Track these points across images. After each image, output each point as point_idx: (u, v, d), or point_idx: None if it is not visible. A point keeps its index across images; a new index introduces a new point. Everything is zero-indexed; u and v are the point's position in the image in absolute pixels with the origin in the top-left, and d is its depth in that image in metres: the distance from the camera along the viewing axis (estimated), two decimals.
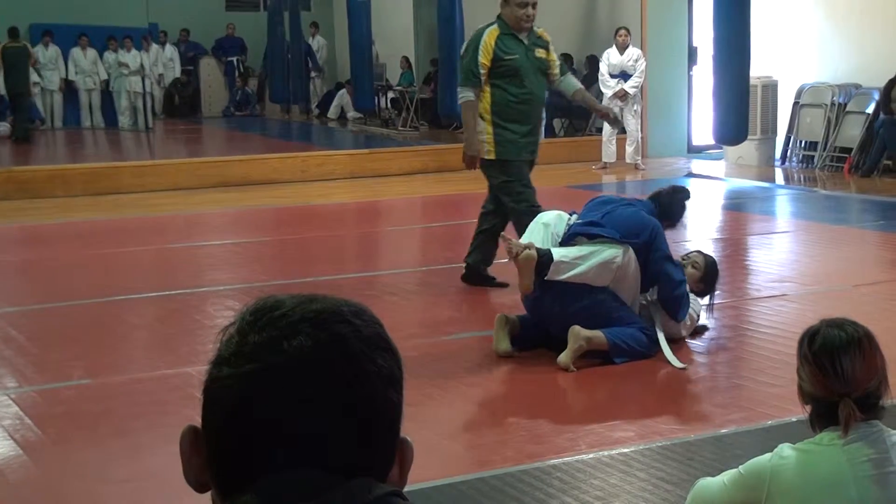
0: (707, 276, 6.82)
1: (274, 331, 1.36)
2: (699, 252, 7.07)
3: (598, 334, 6.09)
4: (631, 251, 6.24)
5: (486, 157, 7.76)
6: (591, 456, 4.84)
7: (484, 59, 7.57)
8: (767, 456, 2.99)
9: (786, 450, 2.97)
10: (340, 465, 1.35)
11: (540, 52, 7.85)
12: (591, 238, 6.24)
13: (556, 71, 8.05)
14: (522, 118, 7.76)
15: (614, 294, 6.26)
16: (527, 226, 6.86)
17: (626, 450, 4.91)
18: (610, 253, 6.19)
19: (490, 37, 7.61)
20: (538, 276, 6.04)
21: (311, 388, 1.34)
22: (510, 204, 7.74)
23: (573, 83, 8.36)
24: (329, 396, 1.35)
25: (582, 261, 6.13)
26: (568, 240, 6.32)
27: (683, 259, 6.83)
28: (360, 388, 1.37)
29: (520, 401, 5.78)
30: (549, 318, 6.29)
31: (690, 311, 6.60)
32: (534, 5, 7.70)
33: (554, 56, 8.07)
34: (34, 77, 19.94)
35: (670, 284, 6.34)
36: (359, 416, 1.37)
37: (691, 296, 6.64)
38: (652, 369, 6.15)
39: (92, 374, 6.17)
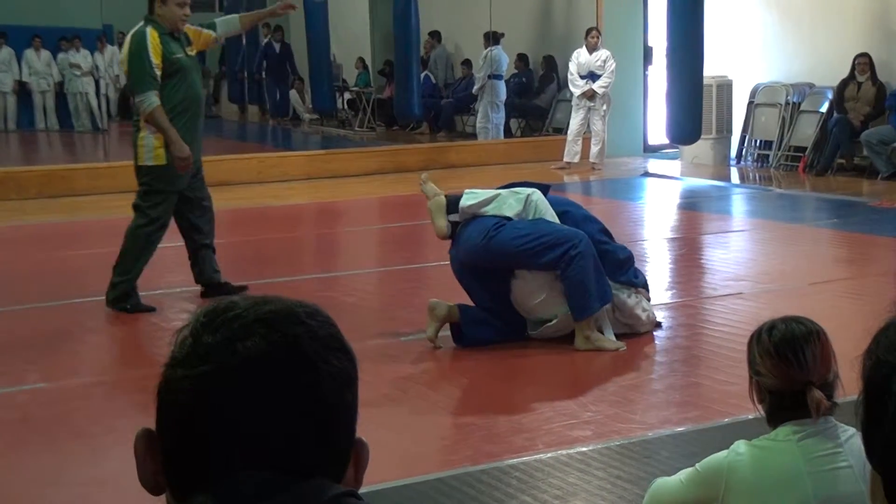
0: None
1: (227, 332, 1.36)
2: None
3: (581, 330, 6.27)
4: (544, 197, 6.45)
5: (155, 164, 7.36)
6: (549, 455, 4.85)
7: (156, 59, 7.20)
8: (724, 453, 3.01)
9: (742, 446, 2.99)
10: (296, 465, 1.35)
11: (192, 50, 7.54)
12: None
13: (212, 34, 7.87)
14: (191, 122, 7.45)
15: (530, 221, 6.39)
16: (146, 240, 7.40)
17: (583, 448, 4.92)
18: (522, 189, 6.37)
19: (154, 38, 7.23)
20: (450, 216, 6.28)
21: (265, 390, 1.34)
22: (151, 213, 7.48)
23: (228, 19, 8.21)
24: (283, 397, 1.35)
25: (489, 193, 6.38)
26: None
27: None
28: (314, 389, 1.37)
29: (477, 400, 5.79)
30: (471, 267, 6.41)
31: (649, 310, 6.68)
32: (190, 5, 7.42)
33: (200, 38, 7.74)
34: None
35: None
36: (314, 417, 1.37)
37: (643, 300, 6.70)
38: (610, 368, 6.18)
39: (47, 378, 6.13)
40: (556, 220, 6.41)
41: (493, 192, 6.39)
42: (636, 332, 6.64)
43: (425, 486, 4.55)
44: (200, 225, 7.76)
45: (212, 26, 7.96)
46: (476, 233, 6.27)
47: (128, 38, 7.41)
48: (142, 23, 7.30)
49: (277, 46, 21.75)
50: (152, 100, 7.15)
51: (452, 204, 6.33)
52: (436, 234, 6.50)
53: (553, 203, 6.54)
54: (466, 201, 6.29)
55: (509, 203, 6.31)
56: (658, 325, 6.90)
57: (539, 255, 6.21)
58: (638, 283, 6.69)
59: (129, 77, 7.51)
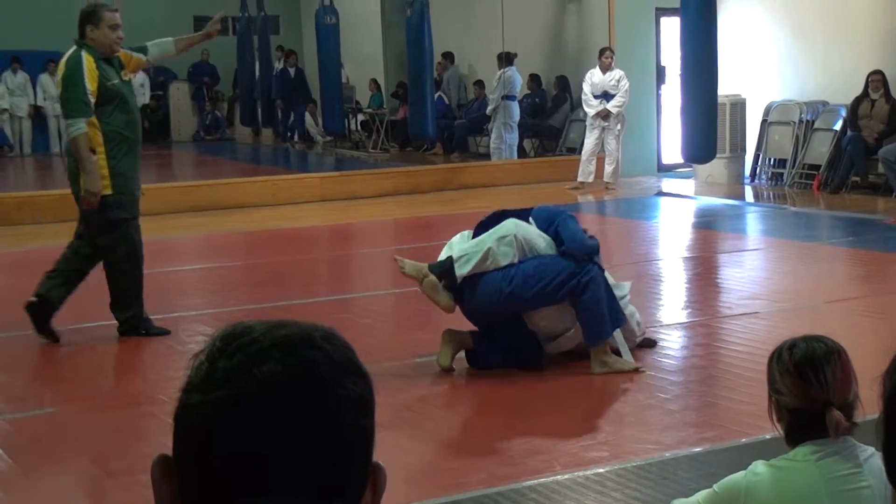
0: None
1: (243, 357, 1.36)
2: None
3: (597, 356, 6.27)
4: (522, 222, 6.39)
5: (103, 193, 7.08)
6: (565, 477, 4.83)
7: (91, 85, 6.99)
8: (742, 473, 3.00)
9: (760, 466, 2.98)
10: (313, 490, 1.34)
11: (126, 75, 7.36)
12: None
13: (143, 58, 7.73)
14: (132, 148, 7.30)
15: (532, 260, 6.33)
16: (129, 273, 7.16)
17: (600, 470, 4.90)
18: (503, 229, 6.29)
19: (89, 63, 7.01)
20: (451, 285, 6.16)
21: (281, 414, 1.34)
22: (121, 245, 7.29)
23: (162, 42, 7.98)
24: (300, 422, 1.34)
25: (478, 247, 6.24)
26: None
27: None
28: (331, 414, 1.36)
29: (493, 421, 5.77)
30: (488, 316, 6.36)
31: (637, 317, 6.66)
32: (121, 27, 7.27)
33: (131, 61, 7.59)
34: (3, 102, 19.91)
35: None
36: (330, 442, 1.36)
37: (631, 307, 6.69)
38: (625, 388, 6.16)
39: (61, 402, 6.14)
40: (545, 240, 6.40)
41: (479, 247, 6.24)
42: (632, 345, 6.63)
43: None
44: (87, 252, 7.41)
45: (143, 49, 7.78)
46: (490, 290, 6.18)
47: (62, 62, 7.21)
48: (75, 47, 7.10)
49: (292, 71, 21.79)
50: (80, 126, 6.93)
51: (446, 273, 6.24)
52: (443, 311, 6.43)
53: (537, 219, 6.54)
54: (462, 269, 6.18)
55: (503, 252, 6.24)
56: (655, 343, 6.88)
57: (555, 292, 6.21)
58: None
59: (63, 102, 7.25)
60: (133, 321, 7.30)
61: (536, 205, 6.67)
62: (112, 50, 7.20)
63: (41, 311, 7.22)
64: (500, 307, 6.24)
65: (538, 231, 6.41)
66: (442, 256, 6.45)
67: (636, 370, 6.31)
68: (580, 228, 6.56)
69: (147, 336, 7.32)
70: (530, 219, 6.46)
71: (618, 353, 6.43)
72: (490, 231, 6.32)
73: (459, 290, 6.27)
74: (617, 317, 6.33)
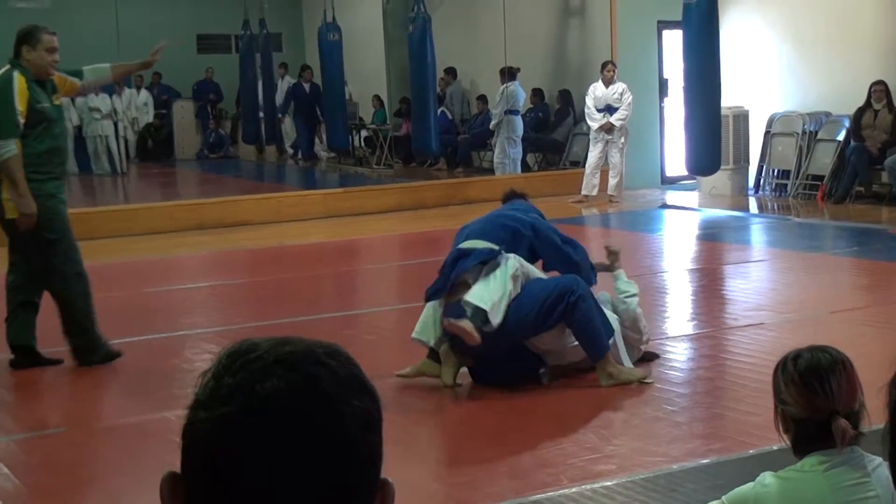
0: None
1: (247, 374, 1.36)
2: None
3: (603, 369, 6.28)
4: (503, 252, 6.37)
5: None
6: (573, 490, 4.83)
7: (21, 106, 6.82)
8: (750, 485, 3.00)
9: (768, 478, 2.98)
10: None
11: (57, 99, 7.20)
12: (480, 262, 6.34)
13: (77, 82, 7.61)
14: (59, 171, 7.14)
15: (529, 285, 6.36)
16: (79, 294, 6.99)
17: (608, 483, 4.90)
18: (509, 265, 6.29)
19: (21, 84, 6.84)
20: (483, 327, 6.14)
21: (285, 431, 1.34)
22: (59, 266, 7.07)
23: (98, 68, 7.85)
24: (304, 438, 1.34)
25: (500, 289, 6.21)
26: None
27: None
28: (335, 430, 1.36)
29: (500, 435, 5.77)
30: (500, 347, 6.34)
31: (643, 321, 6.67)
32: (58, 51, 7.11)
33: (65, 85, 7.42)
34: None
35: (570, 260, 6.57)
36: (336, 458, 1.36)
37: (639, 311, 6.69)
38: (632, 400, 6.16)
39: (69, 422, 6.14)
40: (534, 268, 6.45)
41: (503, 291, 6.18)
42: (637, 353, 6.66)
43: None
44: (24, 282, 7.21)
45: (78, 74, 7.63)
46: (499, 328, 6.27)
47: None
48: (8, 66, 6.95)
49: (307, 86, 21.73)
50: (10, 147, 6.76)
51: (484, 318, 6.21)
52: (470, 344, 6.32)
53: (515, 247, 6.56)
54: (496, 319, 6.11)
55: (517, 289, 6.28)
56: (657, 356, 6.88)
57: (548, 315, 6.23)
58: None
59: None
60: (88, 344, 7.13)
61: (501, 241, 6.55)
62: (47, 73, 7.06)
63: (25, 360, 7.12)
64: (503, 341, 6.26)
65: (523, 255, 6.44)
66: (418, 328, 6.52)
67: (642, 380, 6.32)
68: (557, 243, 6.62)
69: (105, 363, 7.13)
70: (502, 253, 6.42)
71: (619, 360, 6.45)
72: (496, 271, 6.27)
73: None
74: (608, 325, 6.36)
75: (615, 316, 6.65)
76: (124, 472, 5.32)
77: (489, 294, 6.16)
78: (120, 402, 6.75)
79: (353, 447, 1.38)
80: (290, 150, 22.80)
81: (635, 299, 6.70)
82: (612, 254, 6.94)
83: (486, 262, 6.28)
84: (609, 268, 6.96)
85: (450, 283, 6.33)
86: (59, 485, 5.23)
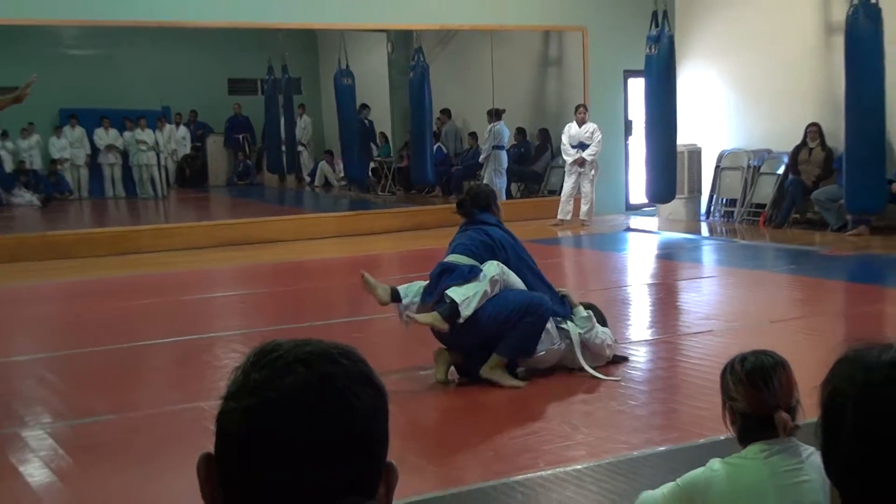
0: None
1: (271, 370, 1.37)
2: (590, 304, 6.95)
3: (495, 362, 6.30)
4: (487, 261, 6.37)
5: None
6: (548, 473, 4.83)
7: None
8: (701, 469, 2.99)
9: (716, 464, 2.97)
10: (333, 486, 1.35)
11: None
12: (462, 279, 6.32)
13: None
14: None
15: (506, 292, 6.36)
16: None
17: (578, 466, 4.89)
18: (491, 272, 6.27)
19: None
20: (452, 321, 6.15)
21: (302, 421, 1.35)
22: None
23: None
24: (318, 428, 1.35)
25: (476, 289, 6.21)
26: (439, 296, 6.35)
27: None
28: (346, 421, 1.37)
29: (485, 425, 5.76)
30: (469, 341, 6.34)
31: (606, 336, 6.64)
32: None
33: None
34: (64, 153, 19.95)
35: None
36: (347, 445, 1.37)
37: (602, 328, 6.67)
38: (599, 395, 6.16)
39: (115, 410, 6.13)
40: (515, 277, 6.43)
41: (477, 289, 6.20)
42: (603, 362, 6.61)
43: (443, 501, 4.53)
44: None
45: None
46: (473, 322, 6.25)
47: None
48: None
49: (367, 122, 21.40)
50: None
51: (453, 314, 6.19)
52: (439, 330, 6.33)
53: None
54: (467, 311, 6.14)
55: (494, 292, 6.28)
56: (626, 358, 6.85)
57: (516, 322, 6.26)
58: (565, 315, 6.61)
59: None
60: None
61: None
62: None
63: None
64: (473, 333, 6.25)
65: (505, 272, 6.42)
66: (403, 288, 6.53)
67: (515, 387, 6.29)
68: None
69: None
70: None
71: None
72: (483, 275, 6.26)
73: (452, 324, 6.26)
74: (532, 346, 6.36)
75: (607, 335, 6.66)
76: (164, 454, 5.31)
77: (464, 290, 6.19)
78: (160, 393, 6.74)
79: (362, 436, 1.38)
80: (308, 179, 22.77)
81: (595, 330, 6.63)
82: (564, 297, 6.77)
83: (468, 280, 6.28)
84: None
85: (436, 296, 6.33)
86: (106, 464, 5.22)
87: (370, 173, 21.20)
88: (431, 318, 6.17)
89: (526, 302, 6.30)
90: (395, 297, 6.45)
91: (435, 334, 6.39)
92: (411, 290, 6.52)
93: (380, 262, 12.75)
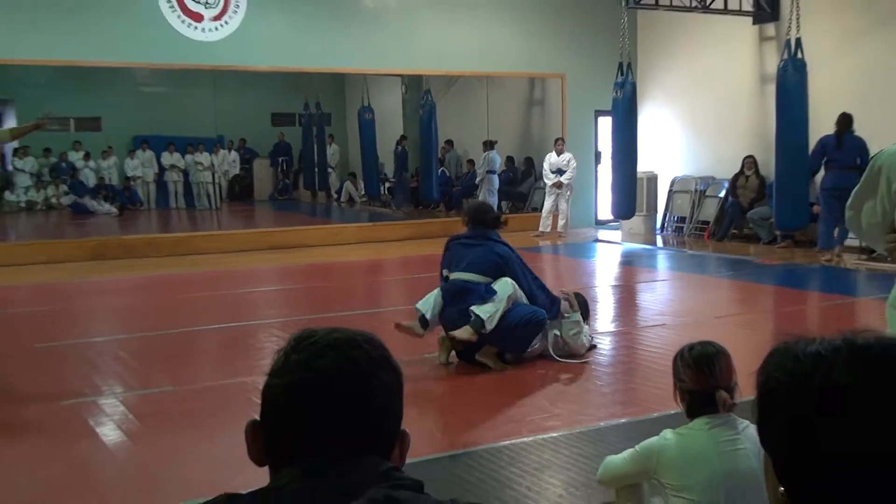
0: (580, 307, 6.74)
1: (306, 353, 1.38)
2: (575, 293, 6.92)
3: (489, 350, 6.31)
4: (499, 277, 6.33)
5: None
6: (530, 439, 4.83)
7: None
8: (655, 438, 3.00)
9: (668, 433, 2.98)
10: (355, 448, 1.35)
11: None
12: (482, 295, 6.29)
13: None
14: None
15: (517, 306, 6.32)
16: None
17: (555, 434, 4.90)
18: (507, 290, 6.24)
19: None
20: (481, 330, 6.15)
21: (331, 395, 1.36)
22: None
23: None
24: (345, 401, 1.36)
25: (496, 307, 6.19)
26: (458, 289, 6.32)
27: (565, 294, 6.77)
28: (368, 396, 1.37)
29: (478, 400, 5.76)
30: (489, 340, 6.30)
31: (584, 336, 6.60)
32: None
33: None
34: (137, 172, 19.99)
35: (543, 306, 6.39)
36: (368, 415, 1.37)
37: (583, 325, 6.63)
38: (572, 378, 6.15)
39: (175, 383, 6.14)
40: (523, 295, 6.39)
41: (497, 307, 6.18)
42: (578, 356, 6.54)
43: (444, 460, 4.53)
44: None
45: None
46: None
47: None
48: None
49: (405, 151, 21.22)
50: None
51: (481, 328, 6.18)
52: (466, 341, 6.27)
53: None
54: (491, 325, 6.13)
55: (503, 308, 6.24)
56: (594, 346, 6.80)
57: (523, 330, 6.28)
58: (553, 317, 6.52)
59: None
60: None
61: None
62: None
63: None
64: (491, 337, 6.26)
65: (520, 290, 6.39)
66: (421, 302, 6.44)
67: (504, 370, 6.28)
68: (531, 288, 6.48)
69: None
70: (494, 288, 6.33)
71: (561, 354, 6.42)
72: (500, 294, 6.22)
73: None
74: (521, 350, 6.36)
75: (585, 335, 6.63)
76: (215, 420, 5.31)
77: (488, 308, 6.17)
78: (212, 370, 6.74)
79: (380, 408, 1.39)
80: (335, 195, 22.75)
81: (582, 332, 6.58)
82: (566, 299, 6.65)
83: (487, 299, 6.23)
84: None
85: (460, 311, 6.27)
86: (168, 427, 5.22)
87: (387, 191, 21.18)
88: (467, 333, 6.14)
89: (528, 316, 6.27)
90: (425, 323, 6.34)
91: (445, 330, 6.37)
92: (428, 304, 6.39)
93: (392, 264, 12.75)
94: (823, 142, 11.61)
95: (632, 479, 3.05)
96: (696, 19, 14.52)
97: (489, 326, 6.12)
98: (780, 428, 1.15)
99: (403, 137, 20.51)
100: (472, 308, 6.15)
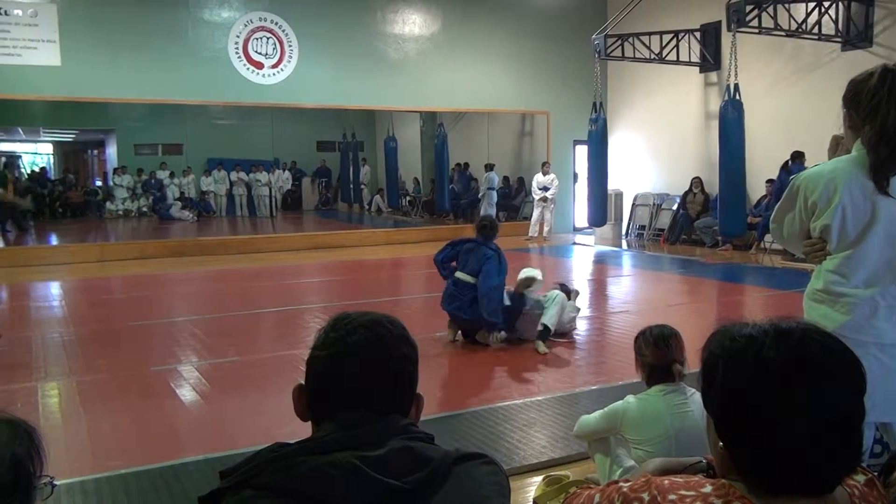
0: (566, 290, 6.70)
1: (342, 331, 1.38)
2: (562, 284, 6.90)
3: (485, 332, 6.25)
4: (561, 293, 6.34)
5: None
6: (519, 402, 4.81)
7: None
8: (621, 402, 2.99)
9: (630, 398, 2.97)
10: (380, 407, 1.35)
11: None
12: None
13: None
14: None
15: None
16: None
17: (539, 398, 4.88)
18: (558, 301, 6.23)
19: None
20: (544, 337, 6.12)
21: (362, 365, 1.35)
22: None
23: None
24: (372, 370, 1.36)
25: (555, 312, 6.21)
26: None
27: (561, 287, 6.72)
28: (390, 364, 1.37)
29: (478, 370, 5.75)
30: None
31: (574, 312, 6.54)
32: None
33: None
34: (210, 187, 20.04)
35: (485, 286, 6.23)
36: (390, 381, 1.37)
37: (570, 303, 6.54)
38: (552, 353, 6.13)
39: (239, 354, 6.14)
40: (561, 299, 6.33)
41: (556, 313, 6.19)
42: (564, 332, 6.53)
43: (449, 418, 4.52)
44: None
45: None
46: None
47: None
48: None
49: (457, 174, 20.98)
50: None
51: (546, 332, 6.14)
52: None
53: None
54: (550, 321, 6.13)
55: (555, 308, 6.23)
56: (573, 329, 6.73)
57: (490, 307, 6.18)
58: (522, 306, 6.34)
59: None
60: None
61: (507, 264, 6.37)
62: None
63: None
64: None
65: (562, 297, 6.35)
66: (524, 274, 6.30)
67: (499, 346, 6.20)
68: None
69: None
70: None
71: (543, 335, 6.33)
72: (555, 304, 6.22)
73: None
74: (495, 326, 6.20)
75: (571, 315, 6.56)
76: (271, 384, 5.31)
77: (548, 319, 6.16)
78: (268, 344, 6.75)
79: (401, 375, 1.38)
80: (367, 207, 22.75)
81: (561, 310, 6.36)
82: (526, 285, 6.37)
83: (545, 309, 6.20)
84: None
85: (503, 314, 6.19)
86: (234, 389, 5.23)
87: (407, 203, 21.17)
88: (544, 347, 6.07)
89: (486, 296, 6.18)
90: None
91: (451, 315, 6.32)
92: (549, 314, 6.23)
93: (410, 261, 12.75)
94: (780, 175, 11.72)
95: (601, 434, 3.04)
96: (654, 68, 14.51)
97: (552, 330, 6.12)
98: (720, 394, 1.15)
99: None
100: (544, 321, 6.13)
